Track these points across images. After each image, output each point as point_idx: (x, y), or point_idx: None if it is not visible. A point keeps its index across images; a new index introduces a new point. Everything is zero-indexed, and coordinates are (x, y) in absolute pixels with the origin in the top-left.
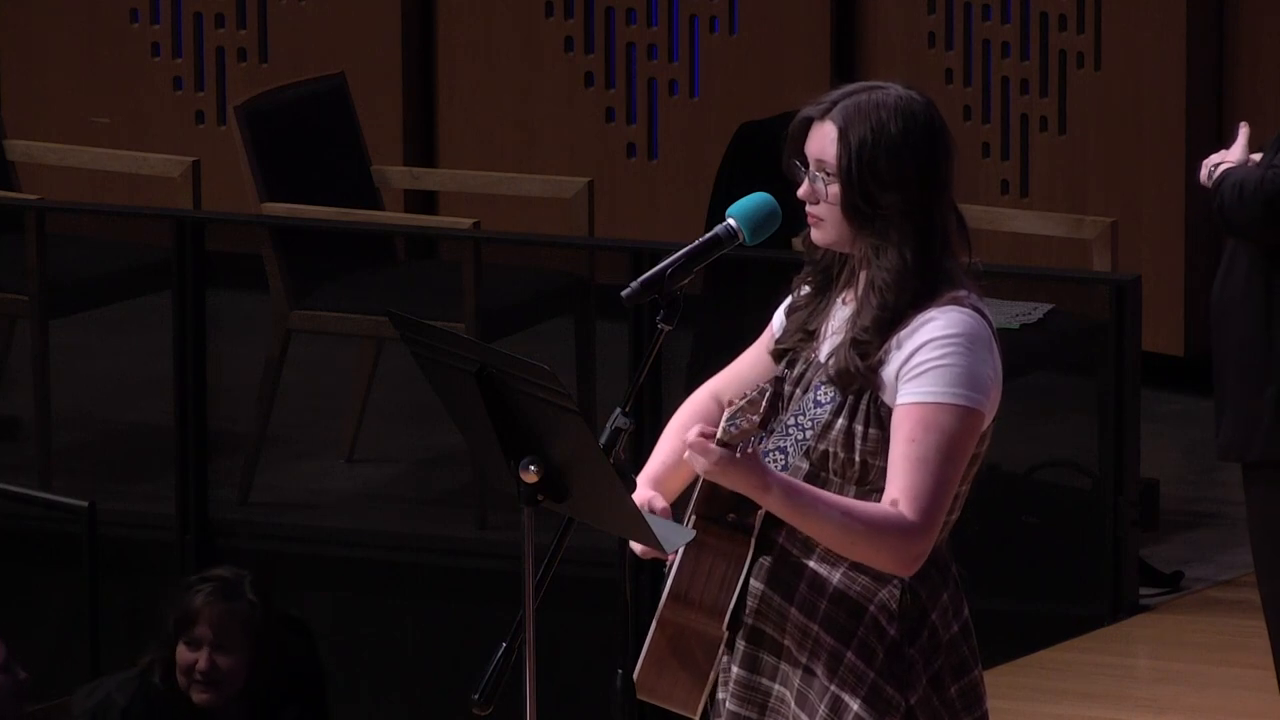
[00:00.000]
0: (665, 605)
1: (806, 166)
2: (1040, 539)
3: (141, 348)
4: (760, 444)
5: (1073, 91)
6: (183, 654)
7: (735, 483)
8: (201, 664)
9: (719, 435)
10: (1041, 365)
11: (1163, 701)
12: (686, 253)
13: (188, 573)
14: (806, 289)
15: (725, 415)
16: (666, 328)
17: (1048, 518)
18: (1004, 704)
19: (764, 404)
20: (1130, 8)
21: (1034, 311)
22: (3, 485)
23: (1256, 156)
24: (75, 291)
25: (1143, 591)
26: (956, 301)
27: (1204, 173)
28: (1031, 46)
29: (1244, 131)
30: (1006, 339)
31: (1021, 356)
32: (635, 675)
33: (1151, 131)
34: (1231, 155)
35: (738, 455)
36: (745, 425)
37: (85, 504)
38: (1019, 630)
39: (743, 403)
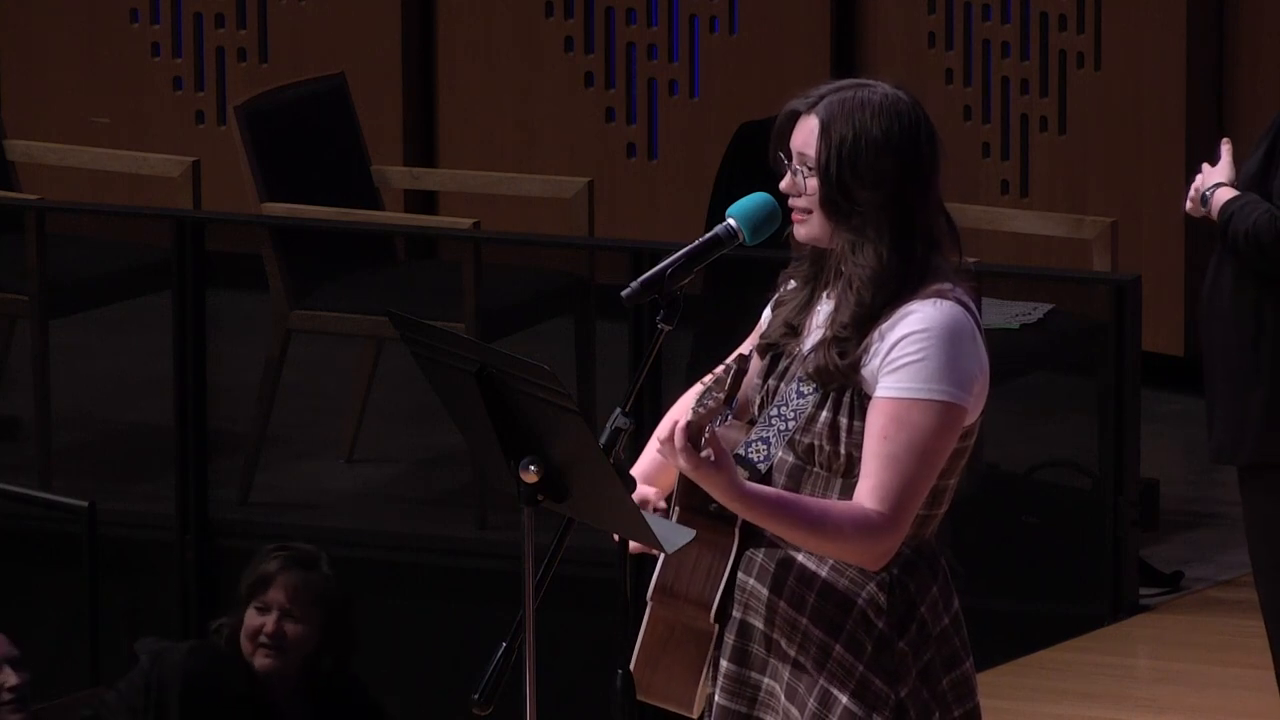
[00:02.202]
0: (653, 600)
1: (791, 159)
2: (1040, 539)
3: (141, 348)
4: (727, 421)
5: (1073, 91)
6: (251, 618)
7: (704, 485)
8: (269, 628)
9: (690, 416)
10: (1041, 365)
11: (1163, 701)
12: (686, 253)
13: (187, 573)
14: (793, 283)
15: (697, 397)
16: (666, 328)
17: (1048, 518)
18: (1004, 704)
19: (729, 380)
20: (1130, 8)
21: (1034, 311)
22: (3, 485)
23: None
24: (75, 291)
25: (1143, 591)
26: (940, 294)
27: (1193, 195)
28: (1031, 46)
29: (1227, 149)
30: (1006, 339)
31: (1021, 356)
32: (632, 673)
33: (1151, 131)
34: (1216, 175)
35: (705, 438)
36: (712, 404)
37: (85, 504)
38: (1019, 630)
39: (711, 382)
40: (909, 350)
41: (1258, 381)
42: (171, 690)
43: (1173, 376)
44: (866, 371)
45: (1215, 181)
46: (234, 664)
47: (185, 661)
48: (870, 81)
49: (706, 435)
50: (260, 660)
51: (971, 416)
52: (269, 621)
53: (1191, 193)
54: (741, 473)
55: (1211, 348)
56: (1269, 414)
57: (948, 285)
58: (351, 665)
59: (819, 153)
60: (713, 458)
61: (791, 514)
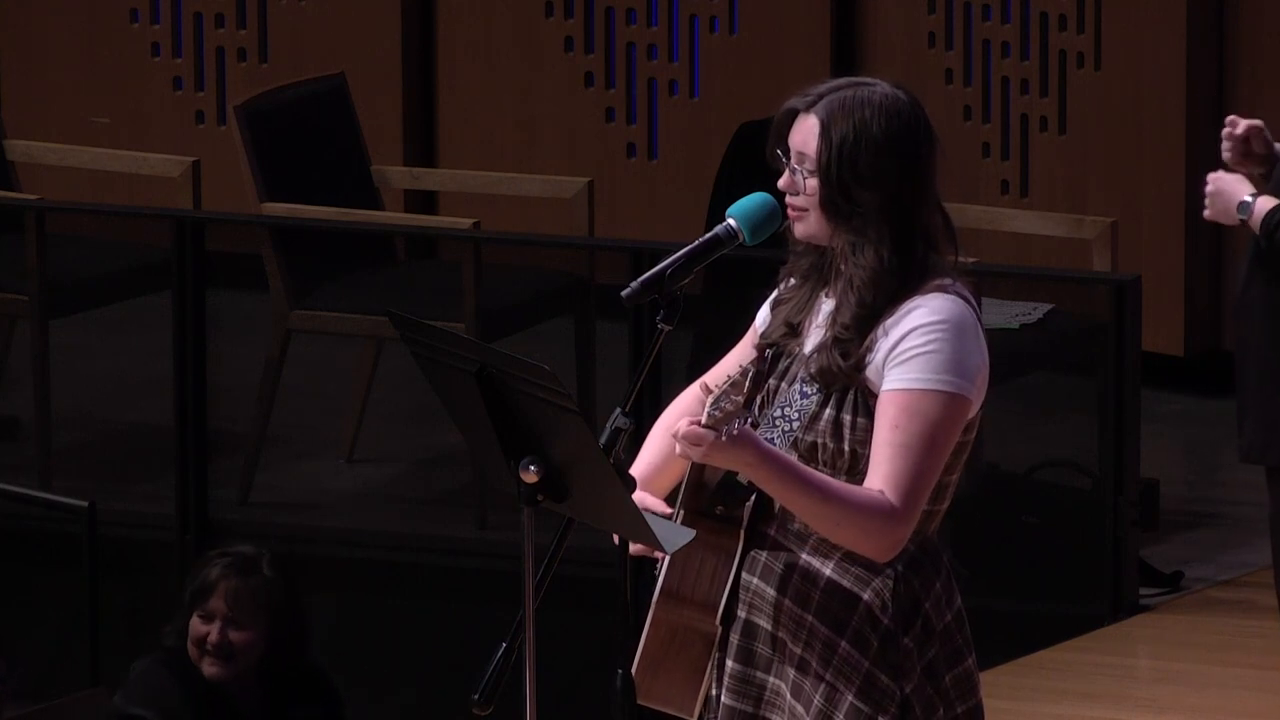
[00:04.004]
0: (657, 603)
1: (789, 157)
2: (1040, 539)
3: (141, 348)
4: (746, 424)
5: (1073, 91)
6: (196, 626)
7: (730, 461)
8: (213, 637)
9: (704, 420)
10: (1041, 365)
11: (1163, 701)
12: (686, 253)
13: (187, 573)
14: (792, 281)
15: (709, 400)
16: (666, 328)
17: (1048, 518)
18: (1004, 704)
19: (746, 384)
20: (1130, 8)
21: (1034, 311)
22: (3, 485)
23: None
24: (75, 291)
25: (1143, 591)
26: (942, 289)
27: (1212, 191)
28: (1031, 46)
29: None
30: (1006, 339)
31: (1021, 356)
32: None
33: (1151, 131)
34: (1243, 185)
35: (723, 438)
36: (729, 407)
37: (85, 504)
38: (1019, 630)
39: (726, 385)
40: (916, 343)
41: None
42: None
43: (1173, 376)
44: (870, 369)
45: (1251, 192)
46: (187, 671)
47: (143, 679)
48: (869, 80)
49: (726, 436)
50: (208, 668)
51: (974, 410)
52: (213, 631)
53: (1210, 187)
54: (742, 478)
55: (1244, 346)
56: None
57: (948, 280)
58: (308, 656)
59: (819, 153)
60: (734, 431)
61: (814, 486)
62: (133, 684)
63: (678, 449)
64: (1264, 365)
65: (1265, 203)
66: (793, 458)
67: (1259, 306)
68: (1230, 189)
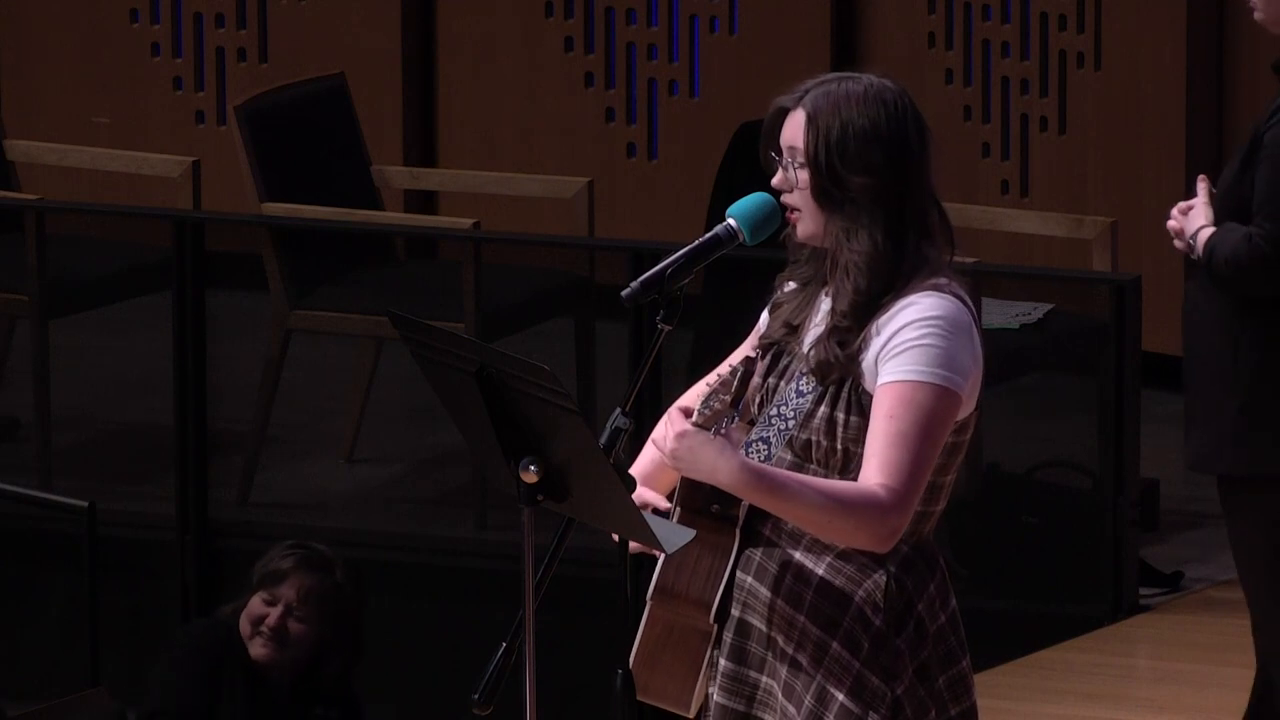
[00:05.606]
0: (652, 600)
1: (781, 155)
2: (1040, 539)
3: (141, 348)
4: (734, 423)
5: (1073, 91)
6: (255, 605)
7: (703, 463)
8: (272, 620)
9: (694, 419)
10: (1041, 365)
11: (1163, 701)
12: (687, 253)
13: (187, 573)
14: (791, 285)
15: (700, 399)
16: (666, 328)
17: (1048, 518)
18: (1004, 704)
19: (735, 383)
20: (1130, 8)
21: (1034, 311)
22: (3, 485)
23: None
24: (75, 291)
25: (1143, 591)
26: (937, 288)
27: (1174, 227)
28: (1031, 46)
29: (1204, 187)
30: (1006, 339)
31: (1021, 356)
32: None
33: (1151, 131)
34: (1197, 219)
35: (713, 434)
36: (718, 406)
37: (85, 504)
38: (1019, 630)
39: (716, 384)
40: (910, 336)
41: (1235, 392)
42: (184, 657)
43: (1173, 376)
44: (864, 365)
45: (1198, 225)
46: (234, 643)
47: (196, 630)
48: (855, 74)
49: (714, 434)
50: (256, 649)
51: (966, 409)
52: (273, 614)
53: (1173, 223)
54: None
55: (1191, 356)
56: (1239, 429)
57: (944, 280)
58: (352, 676)
59: (807, 144)
60: (723, 431)
61: (799, 491)
62: (178, 642)
63: (653, 437)
64: (1210, 375)
65: (1205, 233)
66: (788, 457)
67: (1207, 314)
68: (1186, 222)
